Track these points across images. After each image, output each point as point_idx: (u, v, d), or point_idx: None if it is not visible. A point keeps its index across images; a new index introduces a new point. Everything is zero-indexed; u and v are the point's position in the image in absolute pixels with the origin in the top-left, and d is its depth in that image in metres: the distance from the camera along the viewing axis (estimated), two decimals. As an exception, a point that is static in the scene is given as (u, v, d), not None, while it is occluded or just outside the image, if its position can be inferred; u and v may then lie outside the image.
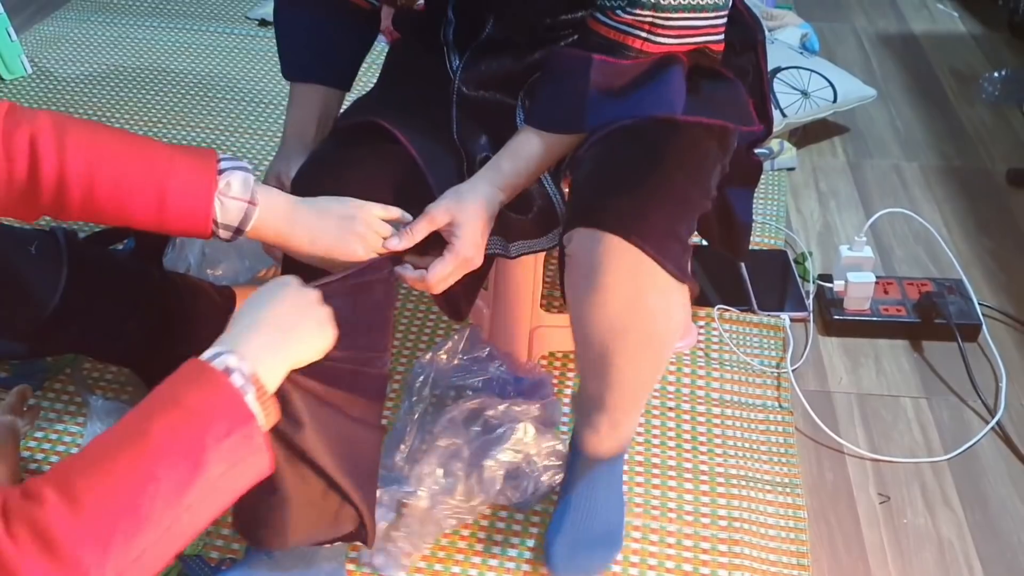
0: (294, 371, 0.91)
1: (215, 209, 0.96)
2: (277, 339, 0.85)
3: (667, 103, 1.10)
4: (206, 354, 0.79)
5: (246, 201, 0.97)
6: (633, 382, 1.17)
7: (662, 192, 1.05)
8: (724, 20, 1.11)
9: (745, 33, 1.25)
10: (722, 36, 1.12)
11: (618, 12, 1.07)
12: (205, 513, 0.73)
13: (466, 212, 1.12)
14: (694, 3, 1.06)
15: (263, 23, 2.75)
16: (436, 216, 1.11)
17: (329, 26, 1.27)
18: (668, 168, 1.07)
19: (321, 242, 1.04)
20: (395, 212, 1.10)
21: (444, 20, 1.28)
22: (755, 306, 1.73)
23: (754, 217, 1.93)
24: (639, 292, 1.06)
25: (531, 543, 1.33)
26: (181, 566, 1.24)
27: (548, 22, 1.20)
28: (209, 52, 2.61)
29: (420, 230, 1.11)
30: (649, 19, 1.06)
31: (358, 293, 1.11)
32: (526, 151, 1.15)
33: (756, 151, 1.37)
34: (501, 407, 1.40)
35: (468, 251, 1.13)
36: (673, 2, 1.05)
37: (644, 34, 1.07)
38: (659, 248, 1.04)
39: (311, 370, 0.96)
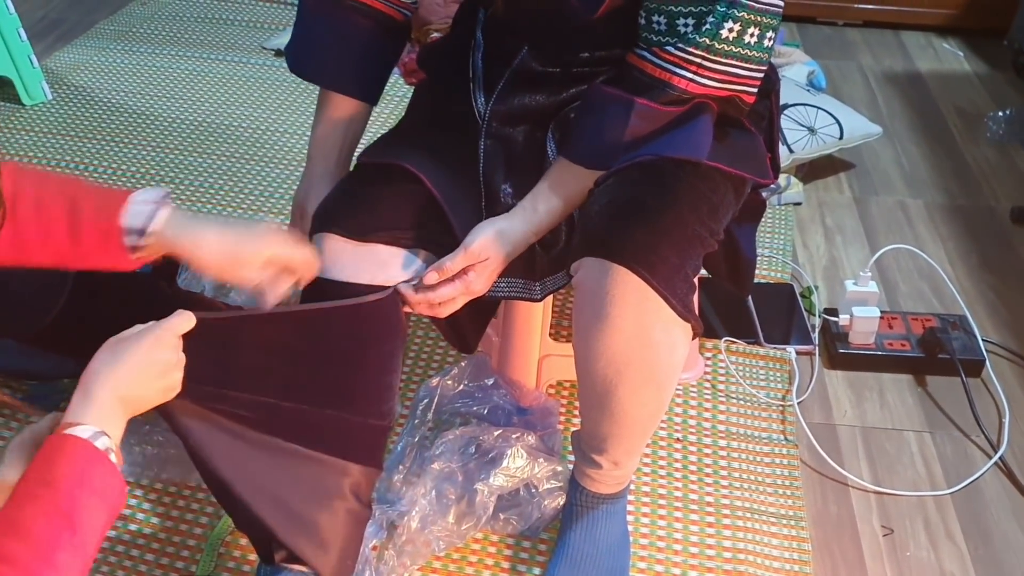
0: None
1: (126, 209, 1.01)
2: (116, 407, 0.94)
3: (695, 146, 1.12)
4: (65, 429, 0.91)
5: (155, 203, 1.03)
6: (635, 419, 1.18)
7: (675, 230, 1.07)
8: (762, 75, 1.14)
9: (765, 81, 1.28)
10: (756, 89, 1.15)
11: (667, 49, 1.09)
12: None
13: (500, 252, 1.16)
14: (743, 53, 1.09)
15: (279, 53, 2.79)
16: (478, 252, 1.14)
17: (362, 34, 1.25)
18: (683, 208, 1.09)
19: (228, 235, 1.06)
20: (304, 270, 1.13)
21: (472, 45, 1.29)
22: (761, 339, 1.75)
23: (761, 251, 1.97)
24: (644, 325, 1.08)
25: (537, 571, 1.34)
26: (193, 587, 1.25)
27: (585, 56, 1.21)
28: (225, 81, 2.65)
29: (459, 264, 1.14)
30: (698, 59, 1.08)
31: (363, 323, 1.14)
32: (561, 189, 1.17)
33: (762, 189, 1.40)
34: (496, 432, 1.41)
35: (478, 285, 1.17)
36: (725, 47, 1.08)
37: (690, 74, 1.09)
38: (666, 283, 1.06)
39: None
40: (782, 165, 2.20)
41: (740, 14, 1.07)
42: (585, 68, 1.22)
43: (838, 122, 2.26)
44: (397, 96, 2.57)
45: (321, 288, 1.17)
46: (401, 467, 1.42)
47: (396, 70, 2.67)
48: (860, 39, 3.08)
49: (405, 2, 1.27)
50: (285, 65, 2.70)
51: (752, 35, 1.09)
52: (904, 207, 2.23)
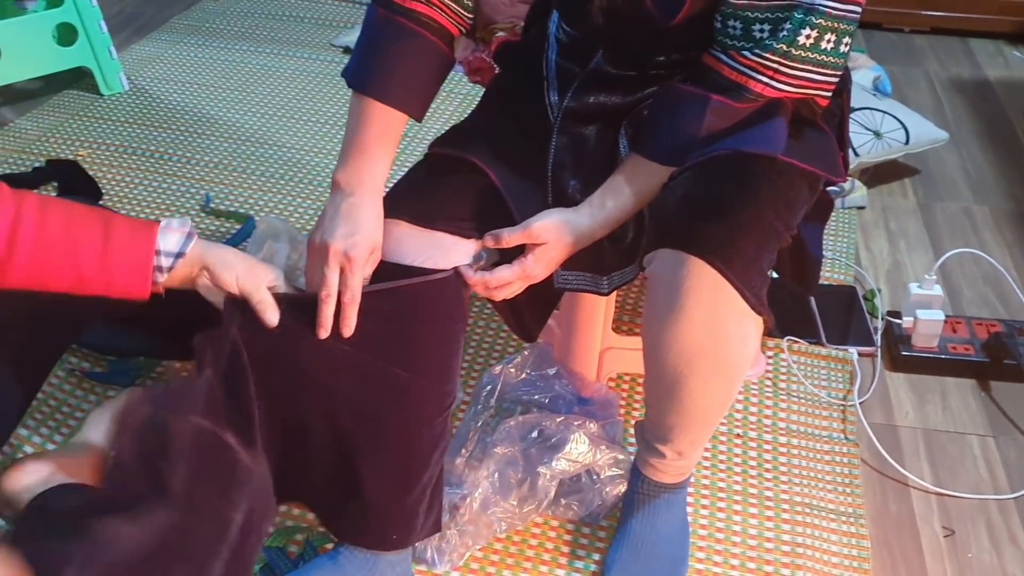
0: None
1: (157, 240, 1.07)
2: None
3: (771, 142, 1.13)
4: None
5: (184, 232, 1.10)
6: (702, 410, 1.19)
7: (751, 224, 1.08)
8: (838, 79, 1.14)
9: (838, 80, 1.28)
10: (831, 93, 1.15)
11: (744, 54, 1.10)
12: None
13: (561, 240, 1.18)
14: (820, 59, 1.10)
15: (347, 51, 2.85)
16: (537, 233, 1.17)
17: (431, 51, 1.21)
18: (760, 202, 1.10)
19: (242, 261, 1.15)
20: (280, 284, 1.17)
21: (546, 46, 1.31)
22: (823, 339, 1.76)
23: (825, 253, 1.96)
24: (717, 317, 1.09)
25: (596, 557, 1.36)
26: (266, 557, 1.29)
27: (660, 60, 1.22)
28: (295, 76, 2.72)
29: (516, 239, 1.17)
30: (775, 65, 1.09)
31: (426, 303, 1.17)
32: (632, 185, 1.18)
33: (828, 188, 1.41)
34: (558, 419, 1.43)
35: (537, 270, 1.19)
36: (802, 53, 1.08)
37: (766, 79, 1.10)
38: (741, 276, 1.07)
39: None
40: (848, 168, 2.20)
41: (817, 21, 1.07)
42: (660, 71, 1.23)
43: (904, 127, 2.25)
44: (460, 94, 2.61)
45: (387, 271, 1.20)
46: (464, 451, 1.44)
47: (459, 67, 2.71)
48: (927, 46, 3.05)
49: (467, 18, 1.24)
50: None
51: (829, 41, 1.09)
52: (969, 213, 2.21)
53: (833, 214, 2.13)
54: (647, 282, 1.15)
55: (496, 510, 1.35)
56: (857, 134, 2.21)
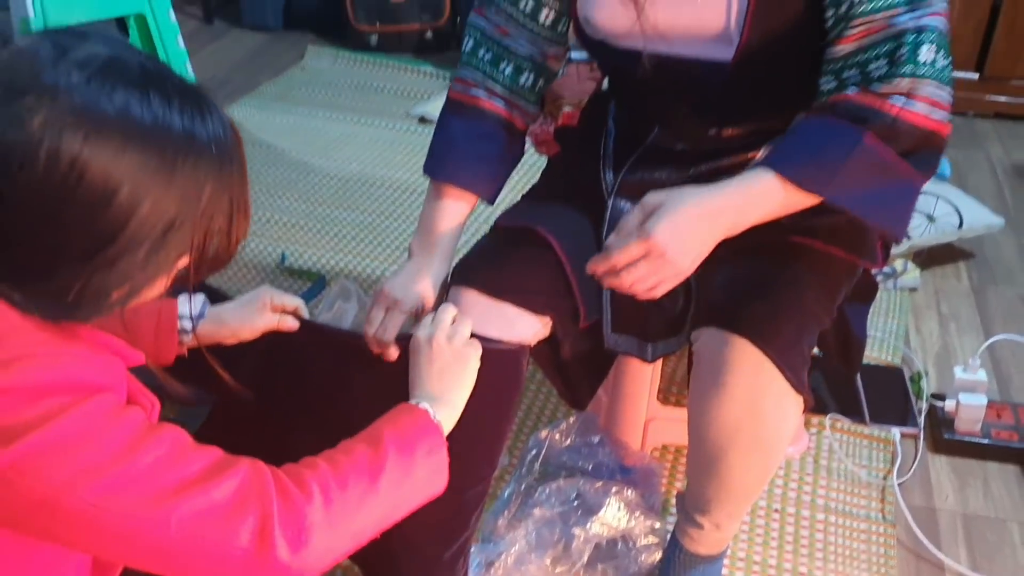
0: None
1: (179, 304, 1.19)
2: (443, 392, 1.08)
3: (891, 218, 1.13)
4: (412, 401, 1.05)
5: (200, 300, 1.21)
6: (740, 483, 1.25)
7: (794, 307, 1.15)
8: (952, 100, 1.12)
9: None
10: (949, 118, 1.12)
11: (872, 87, 1.09)
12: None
13: (673, 197, 1.09)
14: (940, 75, 1.09)
15: (423, 120, 3.00)
16: (648, 200, 1.11)
17: (497, 138, 1.35)
18: (802, 286, 1.17)
19: (245, 306, 1.24)
20: (294, 303, 1.27)
21: (604, 131, 1.41)
22: (867, 418, 1.79)
23: (874, 333, 2.00)
24: (757, 395, 1.15)
25: (631, 621, 1.41)
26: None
27: (713, 132, 1.28)
28: (373, 144, 2.87)
29: (634, 216, 1.10)
30: (907, 87, 1.08)
31: (485, 368, 1.19)
32: (746, 193, 1.10)
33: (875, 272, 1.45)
34: (598, 484, 1.49)
35: (657, 229, 1.08)
36: (928, 72, 1.08)
37: (901, 100, 1.08)
38: (782, 356, 1.13)
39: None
40: (900, 250, 2.24)
41: (932, 36, 1.09)
42: (717, 144, 1.30)
43: (958, 211, 2.28)
44: (526, 164, 2.69)
45: None
46: (506, 512, 1.51)
47: (527, 139, 2.82)
48: (991, 130, 3.07)
49: (530, 112, 1.38)
50: (428, 131, 2.89)
51: (941, 56, 1.09)
52: (1024, 300, 2.22)
53: (884, 295, 2.18)
54: (693, 359, 1.22)
55: (530, 567, 1.41)
56: (911, 217, 2.24)
